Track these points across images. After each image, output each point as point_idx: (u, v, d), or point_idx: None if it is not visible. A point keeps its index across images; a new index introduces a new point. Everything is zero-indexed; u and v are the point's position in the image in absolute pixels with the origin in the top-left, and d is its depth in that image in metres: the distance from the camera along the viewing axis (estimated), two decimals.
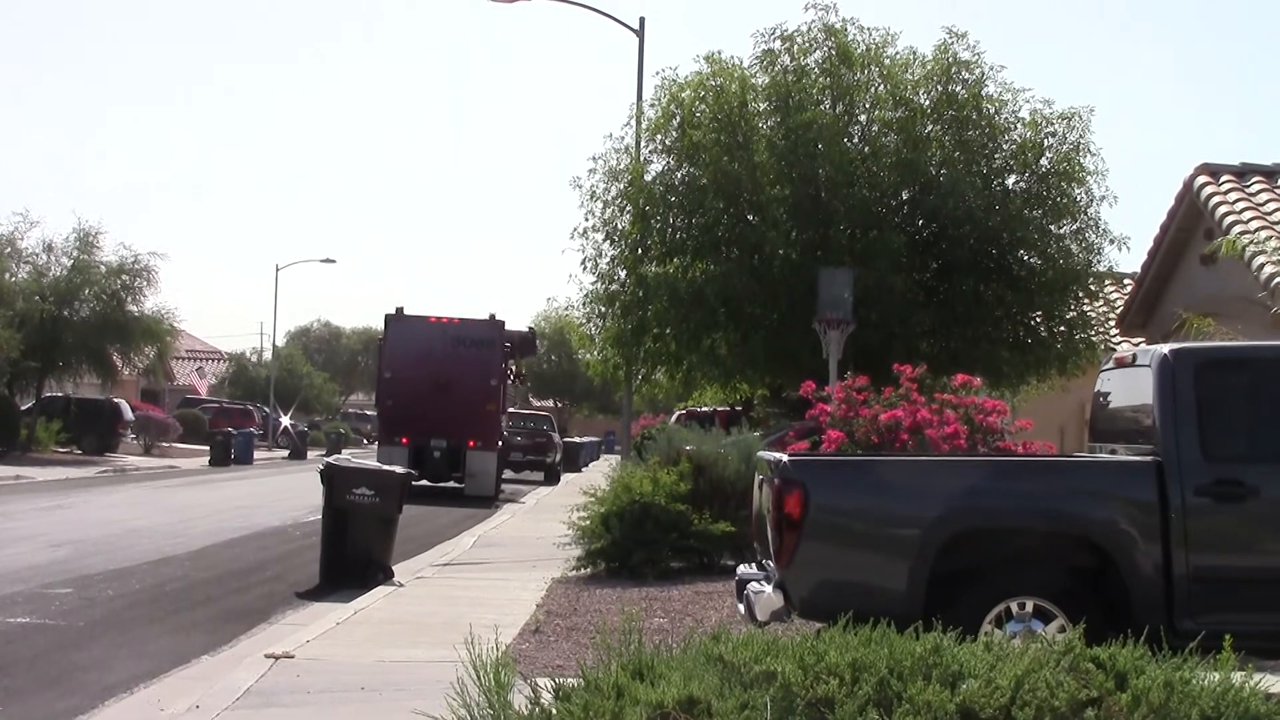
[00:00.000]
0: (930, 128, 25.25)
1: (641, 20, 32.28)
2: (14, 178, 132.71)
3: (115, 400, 54.15)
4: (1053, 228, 25.15)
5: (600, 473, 29.17)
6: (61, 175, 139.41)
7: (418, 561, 19.68)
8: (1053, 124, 25.24)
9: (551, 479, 47.34)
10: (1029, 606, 9.24)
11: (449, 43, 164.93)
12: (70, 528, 23.09)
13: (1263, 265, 18.25)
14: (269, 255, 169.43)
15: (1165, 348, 10.06)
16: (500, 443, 37.75)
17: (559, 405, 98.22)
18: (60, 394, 53.43)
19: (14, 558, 18.39)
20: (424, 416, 35.42)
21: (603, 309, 26.84)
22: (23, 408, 49.41)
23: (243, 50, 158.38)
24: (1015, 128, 25.41)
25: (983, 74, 25.36)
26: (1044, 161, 25.23)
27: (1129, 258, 57.28)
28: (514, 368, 41.24)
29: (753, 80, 25.53)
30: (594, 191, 26.68)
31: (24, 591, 15.33)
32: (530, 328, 36.68)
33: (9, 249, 47.56)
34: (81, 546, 20.12)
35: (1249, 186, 21.16)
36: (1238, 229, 19.44)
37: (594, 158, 27.11)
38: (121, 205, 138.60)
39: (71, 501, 29.22)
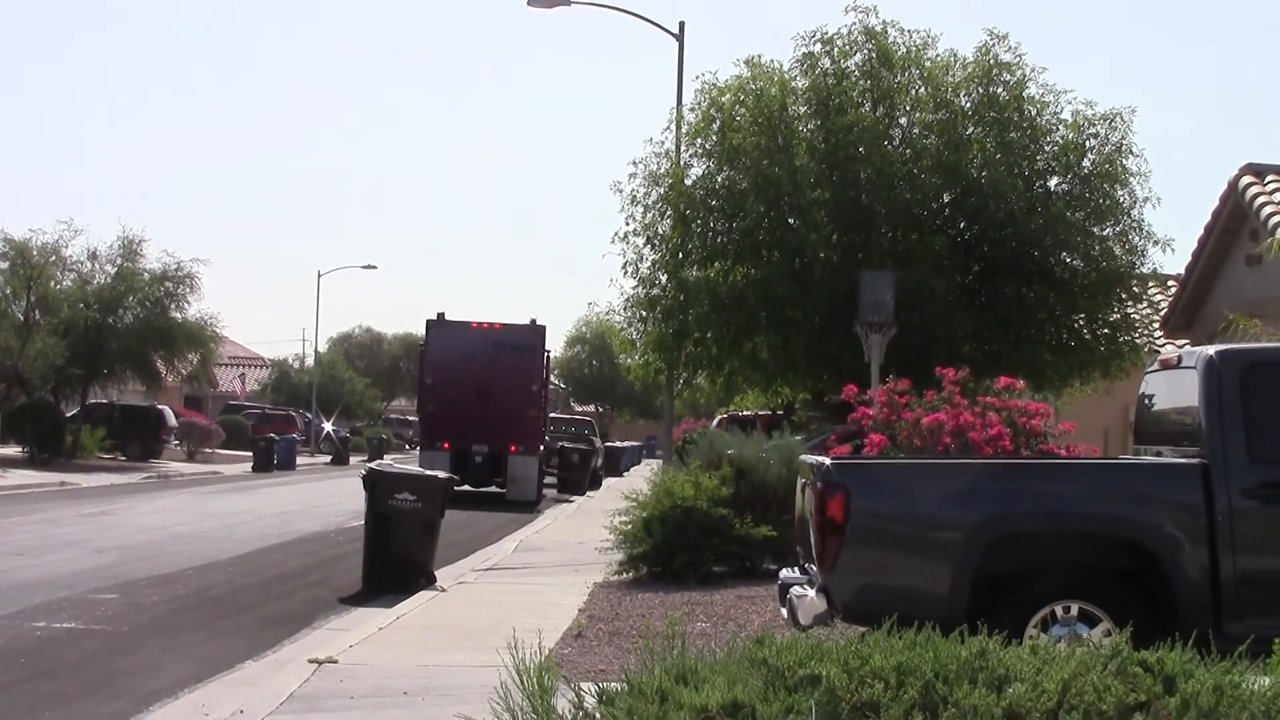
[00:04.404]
0: (971, 130, 25.17)
1: (681, 25, 32.27)
2: (58, 186, 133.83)
3: (159, 407, 54.42)
4: (1095, 229, 25.00)
5: (642, 477, 29.13)
6: (105, 183, 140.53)
7: (460, 566, 19.71)
8: (1094, 125, 25.12)
9: (593, 484, 47.36)
10: (1074, 610, 9.19)
11: (489, 48, 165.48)
12: (115, 534, 23.22)
13: None
14: (311, 261, 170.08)
15: (1211, 349, 10.00)
16: (541, 447, 37.79)
17: (600, 410, 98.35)
18: (105, 401, 53.70)
19: (60, 563, 18.51)
20: (466, 422, 35.50)
21: (644, 313, 26.85)
22: (68, 414, 49.72)
23: (283, 56, 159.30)
24: (1057, 129, 25.31)
25: (1024, 75, 25.29)
26: (1086, 163, 25.10)
27: (1173, 259, 56.54)
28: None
29: (793, 83, 25.50)
30: (634, 196, 26.71)
31: (70, 597, 15.41)
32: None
33: (54, 257, 47.82)
34: (126, 552, 20.23)
35: None
36: None
37: (634, 162, 27.17)
38: (164, 212, 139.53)
39: (116, 508, 29.38)
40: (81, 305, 48.30)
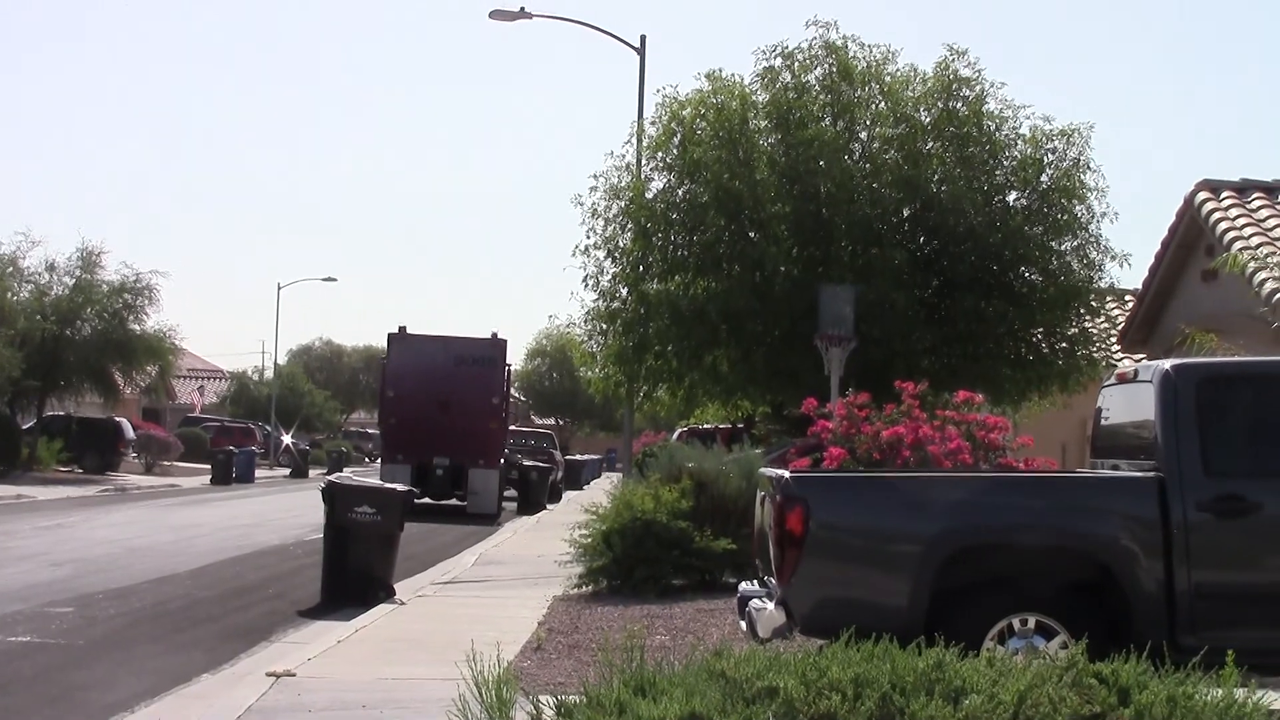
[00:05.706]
0: (931, 144, 25.25)
1: (642, 38, 32.36)
2: (16, 197, 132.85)
3: (117, 419, 54.14)
4: (1054, 244, 25.09)
5: (602, 490, 29.13)
6: (64, 194, 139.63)
7: (419, 579, 19.66)
8: (1053, 140, 25.23)
9: (553, 497, 47.27)
10: (1031, 622, 9.22)
11: (450, 60, 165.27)
12: (71, 546, 23.07)
13: (1264, 281, 18.23)
14: (270, 273, 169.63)
15: (1167, 363, 10.06)
16: (502, 461, 37.77)
17: (560, 423, 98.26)
18: (62, 413, 53.40)
19: (15, 576, 18.37)
20: (426, 435, 35.46)
21: (604, 326, 26.82)
22: (24, 427, 49.41)
23: (245, 69, 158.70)
24: (1016, 144, 25.40)
25: (983, 91, 25.37)
26: (1044, 178, 25.20)
27: (1130, 274, 57.18)
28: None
29: (754, 97, 25.54)
30: (595, 209, 26.67)
31: (25, 610, 15.31)
32: None
33: (11, 268, 47.62)
34: (82, 565, 20.10)
35: (1250, 202, 21.15)
36: (1239, 245, 19.44)
37: (595, 175, 27.11)
38: (124, 224, 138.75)
39: (72, 520, 29.19)
40: (39, 317, 48.01)
